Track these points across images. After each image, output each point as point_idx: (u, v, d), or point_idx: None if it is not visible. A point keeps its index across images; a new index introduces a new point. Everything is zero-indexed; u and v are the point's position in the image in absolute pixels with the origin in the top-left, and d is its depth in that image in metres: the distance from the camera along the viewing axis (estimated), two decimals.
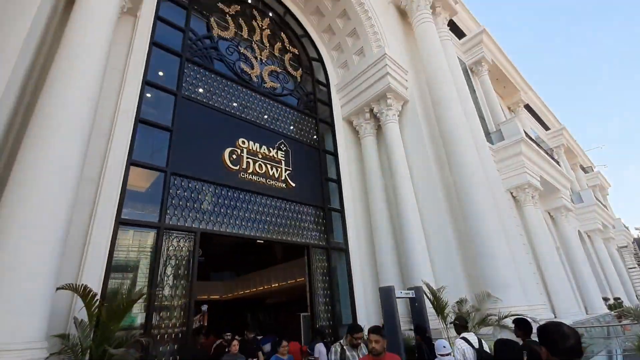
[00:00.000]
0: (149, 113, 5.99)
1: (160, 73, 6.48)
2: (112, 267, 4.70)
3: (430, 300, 5.84)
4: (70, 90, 4.05)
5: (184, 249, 5.50)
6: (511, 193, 10.78)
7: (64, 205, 3.69)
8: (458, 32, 14.58)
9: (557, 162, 14.66)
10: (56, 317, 3.74)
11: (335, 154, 9.32)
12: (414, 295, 5.01)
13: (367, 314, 7.64)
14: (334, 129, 9.64)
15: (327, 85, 10.30)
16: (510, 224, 8.81)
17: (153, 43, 6.43)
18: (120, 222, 4.95)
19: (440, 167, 8.58)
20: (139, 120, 5.69)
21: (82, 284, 3.70)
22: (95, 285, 4.32)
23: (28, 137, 3.77)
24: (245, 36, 8.49)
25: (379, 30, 9.68)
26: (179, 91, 6.48)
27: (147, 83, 6.06)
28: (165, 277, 5.17)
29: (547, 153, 13.38)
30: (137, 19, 6.25)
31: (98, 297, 3.80)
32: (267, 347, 6.61)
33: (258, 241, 6.80)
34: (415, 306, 4.91)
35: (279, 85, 8.74)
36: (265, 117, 8.01)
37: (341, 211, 8.64)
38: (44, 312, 3.32)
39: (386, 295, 4.57)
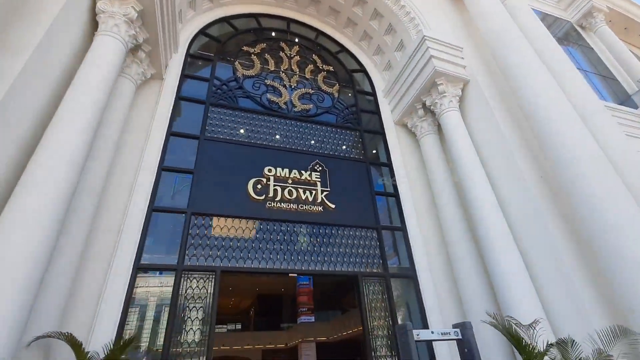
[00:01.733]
0: (172, 160, 6.34)
1: (184, 123, 6.92)
2: (127, 315, 4.78)
3: (512, 341, 3.86)
4: None
5: (202, 290, 5.27)
6: None
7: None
8: None
9: None
10: None
11: (388, 164, 8.05)
12: (460, 337, 3.29)
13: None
14: (385, 137, 8.45)
15: (373, 94, 9.33)
16: None
17: (179, 98, 7.00)
18: (139, 268, 5.09)
19: (527, 154, 6.33)
20: (162, 169, 6.04)
21: (69, 332, 3.75)
22: (109, 335, 4.40)
23: None
24: (272, 68, 8.53)
25: (415, 14, 8.38)
26: (202, 135, 6.75)
27: (171, 134, 6.51)
28: (183, 323, 4.97)
29: None
30: (163, 81, 6.95)
31: (85, 347, 3.79)
32: None
33: (291, 275, 6.07)
34: (465, 353, 3.19)
35: (311, 106, 8.31)
36: (296, 140, 7.59)
37: (402, 229, 7.16)
38: None
39: (402, 337, 3.09)
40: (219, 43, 8.37)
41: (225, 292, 19.84)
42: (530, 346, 3.65)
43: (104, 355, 4.05)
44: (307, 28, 9.90)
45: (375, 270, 6.48)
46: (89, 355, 3.86)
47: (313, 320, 14.24)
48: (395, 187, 7.70)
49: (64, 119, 4.25)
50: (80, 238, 4.57)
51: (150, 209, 5.56)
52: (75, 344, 3.79)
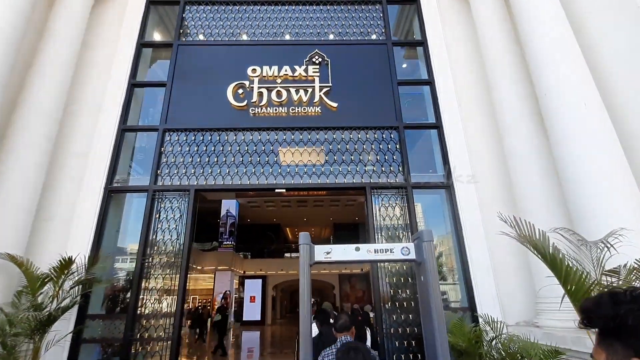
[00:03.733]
0: (144, 75, 5.62)
1: (157, 33, 6.00)
2: (102, 238, 4.57)
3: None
4: None
5: (175, 210, 4.71)
6: None
7: None
8: None
9: None
10: None
11: (422, 42, 5.84)
12: (414, 256, 1.80)
13: (502, 305, 4.21)
14: (419, 5, 6.06)
15: None
16: None
17: (150, 1, 6.03)
18: (110, 190, 4.76)
19: None
20: (132, 85, 5.39)
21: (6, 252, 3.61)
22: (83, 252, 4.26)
23: None
24: None
25: None
26: (176, 40, 5.76)
27: (142, 44, 5.71)
28: (155, 245, 4.57)
29: None
30: None
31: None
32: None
33: (277, 190, 5.02)
34: (421, 283, 1.76)
35: None
36: (291, 30, 5.97)
37: (437, 126, 5.25)
38: None
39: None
40: None
41: (301, 223, 20.66)
42: (578, 271, 1.92)
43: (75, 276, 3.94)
44: None
45: (391, 181, 4.95)
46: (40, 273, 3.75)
47: None
48: (430, 71, 5.59)
49: None
50: (41, 162, 4.33)
51: (120, 129, 5.06)
52: (18, 263, 3.65)
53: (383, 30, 5.98)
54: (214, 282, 15.40)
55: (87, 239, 4.43)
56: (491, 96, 4.95)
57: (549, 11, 4.03)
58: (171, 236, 4.58)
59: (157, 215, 4.69)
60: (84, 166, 4.77)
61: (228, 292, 14.96)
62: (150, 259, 4.46)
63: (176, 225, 4.64)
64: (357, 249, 1.90)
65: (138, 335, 4.14)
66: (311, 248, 1.85)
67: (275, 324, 18.24)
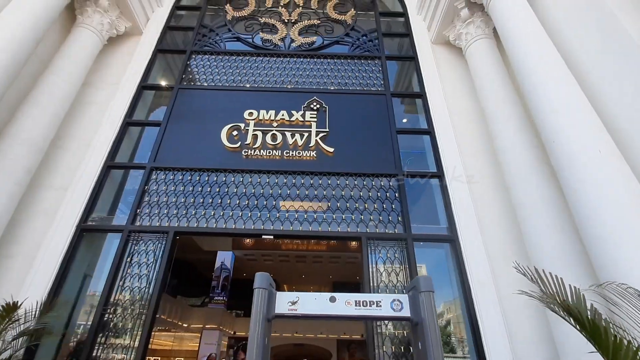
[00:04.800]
0: (143, 117, 5.60)
1: (162, 75, 6.14)
2: (65, 282, 4.09)
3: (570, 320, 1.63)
4: None
5: (149, 255, 4.27)
6: None
7: None
8: None
9: None
10: None
11: (420, 94, 5.84)
12: (409, 314, 1.35)
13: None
14: (418, 63, 6.20)
15: (404, 13, 7.09)
16: None
17: (158, 50, 6.27)
18: (83, 229, 4.38)
19: None
20: (127, 123, 5.33)
21: None
22: (38, 297, 3.75)
23: None
24: (270, 5, 7.17)
25: None
26: (177, 84, 5.84)
27: (143, 87, 5.79)
28: (123, 290, 4.04)
29: None
30: (141, 36, 6.33)
31: None
32: None
33: (264, 237, 4.58)
34: (419, 350, 1.29)
35: (315, 38, 6.65)
36: (291, 79, 6.05)
37: (438, 175, 4.96)
38: None
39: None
40: None
41: (299, 280, 19.51)
42: (632, 345, 1.41)
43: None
44: None
45: (389, 232, 4.52)
46: None
47: None
48: (429, 121, 5.48)
49: None
50: (13, 193, 4.04)
51: (105, 166, 4.86)
52: None
53: (382, 82, 6.04)
54: (200, 343, 13.98)
55: (46, 282, 3.95)
56: (494, 145, 4.73)
57: (548, 61, 3.96)
58: (140, 284, 4.07)
59: (129, 259, 4.23)
60: (60, 201, 4.48)
61: (213, 355, 13.49)
62: (112, 309, 3.90)
63: (148, 272, 4.15)
64: (333, 300, 1.46)
65: None
66: (271, 295, 1.42)
67: None
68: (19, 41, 4.08)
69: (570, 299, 1.64)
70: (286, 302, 1.43)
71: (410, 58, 6.39)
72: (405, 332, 3.92)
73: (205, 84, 5.94)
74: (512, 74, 4.94)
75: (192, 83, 5.99)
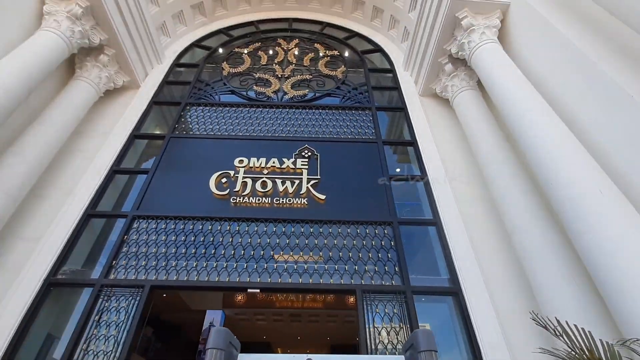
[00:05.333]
0: (132, 164, 5.52)
1: (155, 126, 6.20)
2: (22, 343, 3.60)
3: None
4: None
5: (121, 312, 3.83)
6: None
7: None
8: None
9: None
10: None
11: (411, 142, 5.87)
12: None
13: None
14: (407, 113, 6.36)
15: (392, 70, 7.48)
16: None
17: (153, 102, 6.41)
18: (50, 283, 3.99)
19: (624, 64, 3.68)
20: (114, 171, 5.21)
21: None
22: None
23: None
24: (264, 63, 7.56)
25: None
26: (169, 133, 5.86)
27: (135, 136, 5.79)
28: (86, 355, 3.53)
29: None
30: (139, 89, 6.51)
31: None
32: None
33: (250, 290, 4.17)
34: None
35: (307, 90, 6.89)
36: (283, 128, 6.11)
37: (435, 223, 4.74)
38: None
39: None
40: (209, 50, 7.86)
41: (294, 342, 17.95)
42: None
43: None
44: (312, 23, 8.89)
45: (386, 284, 4.16)
46: None
47: None
48: (422, 168, 5.42)
49: None
50: None
51: (85, 214, 4.61)
52: None
53: (373, 131, 6.11)
54: None
55: (1, 343, 3.46)
56: (490, 191, 4.60)
57: (536, 106, 4.01)
58: (106, 347, 3.58)
59: (97, 318, 3.78)
60: (30, 252, 4.14)
61: None
62: None
63: (117, 333, 3.68)
64: None
65: None
66: (228, 357, 1.13)
67: None
68: (8, 89, 4.08)
69: (603, 356, 1.35)
70: None
71: (399, 109, 6.56)
72: None
73: (198, 133, 5.96)
74: (500, 121, 5.02)
75: (185, 132, 6.02)
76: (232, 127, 6.08)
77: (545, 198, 3.87)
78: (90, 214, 4.65)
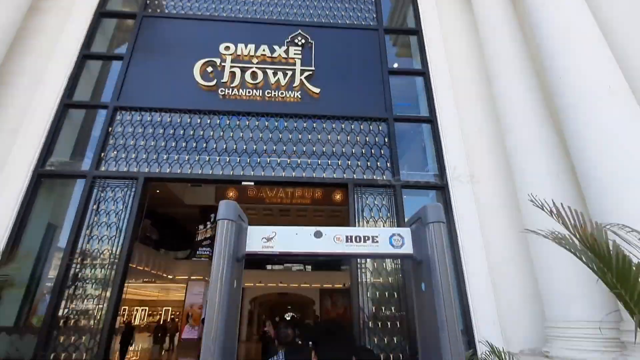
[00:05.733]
0: (101, 46, 4.89)
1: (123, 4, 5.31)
2: (23, 231, 3.72)
3: None
4: None
5: (119, 202, 3.90)
6: None
7: None
8: None
9: None
10: None
11: (416, 30, 5.31)
12: (409, 249, 1.14)
13: (504, 329, 3.52)
14: None
15: None
16: None
17: None
18: (40, 174, 3.93)
19: None
20: (84, 55, 4.64)
21: None
22: None
23: None
24: None
25: None
26: (140, 11, 5.07)
27: (100, 13, 5.00)
28: (91, 240, 3.73)
29: None
30: None
31: None
32: None
33: (244, 183, 4.28)
34: (423, 290, 1.09)
35: None
36: (273, 8, 5.36)
37: (430, 120, 4.65)
38: None
39: None
40: None
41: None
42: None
43: None
44: None
45: (377, 178, 4.28)
46: None
47: None
48: (425, 62, 5.03)
49: None
50: None
51: (62, 104, 4.28)
52: None
53: (375, 16, 5.44)
54: (185, 293, 14.24)
55: (2, 233, 3.57)
56: (492, 89, 4.40)
57: None
58: (109, 233, 3.75)
59: (95, 207, 3.86)
60: (11, 145, 3.95)
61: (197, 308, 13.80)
62: (79, 259, 3.61)
63: (117, 220, 3.82)
64: (319, 235, 1.19)
65: (52, 356, 3.25)
66: (240, 229, 1.13)
67: (250, 341, 17.02)
68: None
69: (595, 233, 1.45)
70: (260, 237, 1.15)
71: None
72: (390, 280, 3.84)
73: (174, 12, 5.19)
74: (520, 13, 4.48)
75: (160, 11, 5.22)
76: (214, 6, 5.28)
77: (548, 93, 3.72)
78: (67, 104, 4.32)
